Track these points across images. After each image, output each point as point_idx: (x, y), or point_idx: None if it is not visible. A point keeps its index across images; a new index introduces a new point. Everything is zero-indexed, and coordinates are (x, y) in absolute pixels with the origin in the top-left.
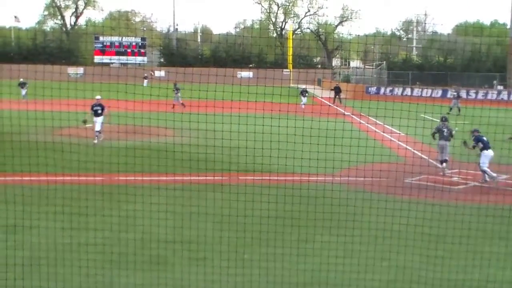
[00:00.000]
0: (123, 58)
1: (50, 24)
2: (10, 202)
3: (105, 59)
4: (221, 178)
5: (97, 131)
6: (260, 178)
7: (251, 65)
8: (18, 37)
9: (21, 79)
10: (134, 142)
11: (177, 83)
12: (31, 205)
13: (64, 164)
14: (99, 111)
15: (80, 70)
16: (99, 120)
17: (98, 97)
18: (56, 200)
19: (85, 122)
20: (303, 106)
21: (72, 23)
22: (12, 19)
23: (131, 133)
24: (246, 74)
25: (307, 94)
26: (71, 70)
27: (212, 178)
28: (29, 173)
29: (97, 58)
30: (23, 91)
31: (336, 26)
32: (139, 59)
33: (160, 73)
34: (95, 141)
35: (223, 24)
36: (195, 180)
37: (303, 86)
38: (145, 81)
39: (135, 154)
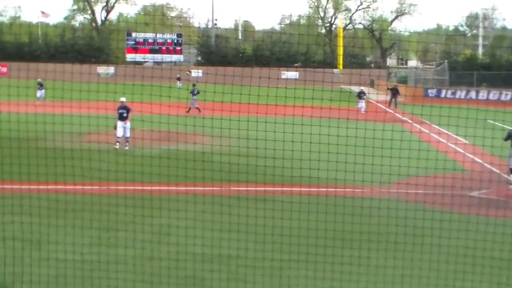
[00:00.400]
0: (158, 57)
1: (79, 19)
2: (34, 215)
3: (138, 57)
4: (263, 189)
5: (118, 137)
6: (307, 190)
7: (296, 64)
8: (45, 34)
9: (39, 80)
10: (168, 149)
11: (196, 84)
12: (57, 218)
13: (92, 173)
14: (124, 114)
15: (111, 69)
16: (126, 125)
17: (123, 99)
18: (83, 212)
19: (115, 127)
20: (362, 111)
21: (103, 18)
22: (39, 14)
23: (161, 139)
24: (292, 74)
25: (364, 97)
26: (101, 69)
27: (254, 189)
28: (55, 183)
29: (129, 57)
30: (39, 93)
31: (392, 21)
32: (174, 57)
33: (197, 73)
34: (116, 146)
35: (266, 19)
36: (235, 191)
37: (359, 88)
38: (179, 82)
39: (169, 162)
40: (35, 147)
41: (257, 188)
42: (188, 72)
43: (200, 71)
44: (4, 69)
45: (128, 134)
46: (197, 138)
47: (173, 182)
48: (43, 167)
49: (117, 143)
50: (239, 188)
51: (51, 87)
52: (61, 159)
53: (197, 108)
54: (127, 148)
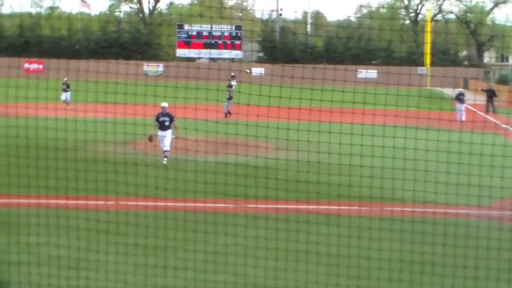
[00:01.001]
0: (214, 52)
1: (124, 9)
2: (72, 237)
3: (191, 53)
4: (337, 207)
5: (166, 151)
6: (389, 209)
7: (375, 61)
8: (85, 26)
9: (65, 79)
10: (225, 158)
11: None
12: (98, 235)
13: (136, 187)
14: (166, 123)
15: (160, 66)
16: (167, 134)
17: (164, 104)
18: (127, 229)
19: (150, 139)
20: (463, 118)
21: (151, 8)
22: (79, 4)
23: (210, 149)
24: (370, 73)
25: (465, 100)
26: (149, 66)
27: (326, 207)
28: (96, 197)
29: (181, 52)
30: (64, 95)
31: (490, 10)
32: (233, 53)
33: (259, 71)
34: (165, 162)
35: (340, 8)
36: (304, 210)
37: (456, 90)
38: (233, 81)
39: (226, 174)
40: (73, 158)
41: (330, 207)
42: (248, 70)
43: (262, 69)
44: (40, 67)
45: (168, 146)
46: (254, 148)
47: (230, 199)
48: (82, 181)
49: (165, 158)
50: (308, 207)
51: (93, 88)
52: (100, 172)
53: (227, 112)
54: (165, 162)
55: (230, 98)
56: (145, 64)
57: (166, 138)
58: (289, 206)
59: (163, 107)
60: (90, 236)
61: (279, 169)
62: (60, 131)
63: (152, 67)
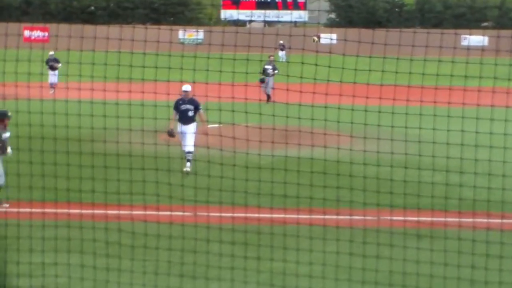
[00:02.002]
0: (270, 14)
1: None
2: (100, 255)
3: (240, 14)
4: (429, 219)
5: (189, 152)
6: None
7: (485, 24)
8: None
9: (51, 53)
10: (285, 154)
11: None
12: (120, 257)
13: (172, 191)
14: (190, 113)
15: (199, 33)
16: (189, 129)
17: (186, 87)
18: (158, 251)
19: (171, 134)
20: None
21: None
22: None
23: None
24: (477, 39)
25: None
26: (185, 33)
27: (415, 220)
28: (117, 206)
29: (227, 14)
30: (52, 76)
31: None
32: (295, 14)
33: (330, 37)
34: (187, 169)
35: None
36: (385, 223)
37: None
38: (282, 52)
39: (285, 175)
40: (89, 152)
41: (421, 219)
42: (315, 37)
43: (334, 35)
44: (44, 35)
45: (192, 146)
46: (329, 138)
47: (291, 207)
48: (100, 181)
49: (188, 162)
50: (393, 218)
51: (114, 61)
52: (117, 170)
53: (268, 94)
54: (187, 169)
55: (262, 81)
56: (181, 29)
57: (188, 134)
58: (366, 218)
59: (185, 92)
60: (110, 251)
61: (368, 165)
62: (71, 117)
63: (190, 34)
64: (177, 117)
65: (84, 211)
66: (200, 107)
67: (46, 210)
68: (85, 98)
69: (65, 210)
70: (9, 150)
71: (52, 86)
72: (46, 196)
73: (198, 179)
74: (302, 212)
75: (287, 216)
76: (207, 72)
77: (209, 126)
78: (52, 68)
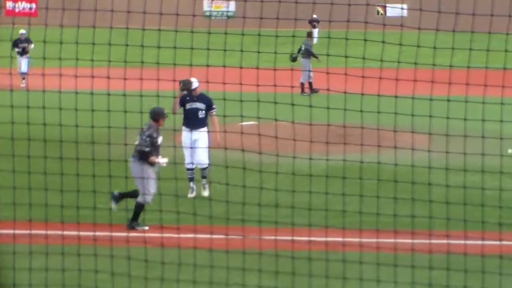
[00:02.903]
0: None
1: None
2: (103, 276)
3: None
4: None
5: (203, 168)
6: None
7: None
8: None
9: (22, 32)
10: (341, 158)
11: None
12: (146, 284)
13: (196, 206)
14: (200, 114)
15: (230, 4)
16: (200, 136)
17: (195, 81)
18: (195, 273)
19: (184, 85)
20: None
21: None
22: None
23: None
24: None
25: None
26: (212, 4)
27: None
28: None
29: None
30: (22, 61)
31: None
32: None
33: (399, 9)
34: (205, 193)
35: None
36: (476, 248)
37: None
38: (315, 30)
39: (344, 186)
40: (89, 157)
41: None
42: (379, 9)
43: (404, 5)
44: (31, 7)
45: (205, 159)
46: (400, 137)
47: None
48: (102, 195)
49: (204, 182)
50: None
51: (120, 40)
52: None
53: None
54: (205, 191)
55: (294, 59)
56: (206, 0)
57: (200, 142)
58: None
59: (184, 86)
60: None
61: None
62: (64, 112)
63: (217, 5)
64: (184, 118)
65: (82, 233)
66: (214, 106)
67: (34, 231)
68: (83, 89)
69: (58, 232)
70: (164, 160)
71: (23, 76)
72: (33, 214)
73: (230, 191)
74: (402, 236)
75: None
76: (240, 54)
77: (244, 123)
78: (23, 52)
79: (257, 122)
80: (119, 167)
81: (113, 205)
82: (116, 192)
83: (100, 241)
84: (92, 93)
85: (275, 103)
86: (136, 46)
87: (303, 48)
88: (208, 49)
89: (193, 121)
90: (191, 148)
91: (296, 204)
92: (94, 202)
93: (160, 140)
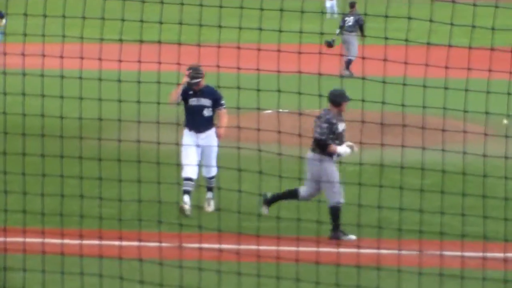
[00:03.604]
0: None
1: None
2: None
3: None
4: None
5: (210, 178)
6: None
7: None
8: None
9: None
10: (379, 157)
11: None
12: None
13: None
14: (206, 112)
15: None
16: (207, 141)
17: (197, 70)
18: None
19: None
20: None
21: None
22: None
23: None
24: None
25: None
26: None
27: None
28: (119, 233)
29: None
30: None
31: None
32: None
33: None
34: (209, 207)
35: None
36: None
37: None
38: (330, 2)
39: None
40: (75, 155)
41: None
42: None
43: None
44: None
45: (213, 169)
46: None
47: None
48: (90, 200)
49: (210, 197)
50: None
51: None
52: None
53: (347, 60)
54: (210, 207)
55: (330, 45)
56: None
57: (206, 149)
58: None
59: (196, 74)
60: None
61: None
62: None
63: None
64: (185, 119)
65: (66, 241)
66: (223, 101)
67: (10, 239)
68: (69, 68)
69: (38, 240)
70: (347, 148)
71: None
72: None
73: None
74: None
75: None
76: (259, 32)
77: (265, 112)
78: None
79: (278, 110)
80: (111, 167)
81: (265, 210)
82: (267, 193)
83: (86, 251)
84: (81, 78)
85: (299, 93)
86: (133, 21)
87: (351, 23)
88: (220, 26)
89: (197, 121)
90: (195, 153)
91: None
92: (81, 208)
93: (341, 127)
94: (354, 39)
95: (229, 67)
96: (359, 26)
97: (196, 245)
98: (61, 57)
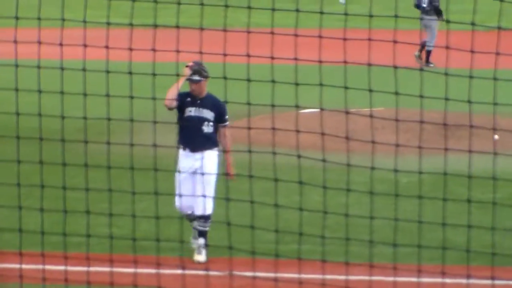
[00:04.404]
0: None
1: None
2: None
3: None
4: None
5: (204, 218)
6: None
7: None
8: None
9: None
10: (442, 165)
11: None
12: None
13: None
14: (206, 129)
15: None
16: (205, 165)
17: (195, 71)
18: None
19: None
20: None
21: None
22: None
23: None
24: None
25: None
26: None
27: None
28: (109, 256)
29: None
30: None
31: None
32: None
33: None
34: (198, 257)
35: None
36: None
37: None
38: None
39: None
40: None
41: None
42: None
43: None
44: None
45: (209, 205)
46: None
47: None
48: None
49: (201, 243)
50: None
51: None
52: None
53: (425, 49)
54: (201, 256)
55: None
56: None
57: (205, 177)
58: None
59: (200, 69)
60: None
61: None
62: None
63: None
64: (178, 135)
65: (70, 268)
66: (227, 116)
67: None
68: (70, 58)
69: (38, 267)
70: None
71: None
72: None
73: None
74: None
75: None
76: (296, 14)
77: (304, 111)
78: None
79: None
80: (121, 176)
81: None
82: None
83: (72, 281)
84: (84, 69)
85: (349, 89)
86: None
87: (425, 4)
88: (249, 7)
89: (193, 138)
90: (191, 180)
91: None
92: (88, 227)
93: None
94: (434, 24)
95: (260, 56)
96: (434, 8)
97: (224, 273)
98: (61, 44)
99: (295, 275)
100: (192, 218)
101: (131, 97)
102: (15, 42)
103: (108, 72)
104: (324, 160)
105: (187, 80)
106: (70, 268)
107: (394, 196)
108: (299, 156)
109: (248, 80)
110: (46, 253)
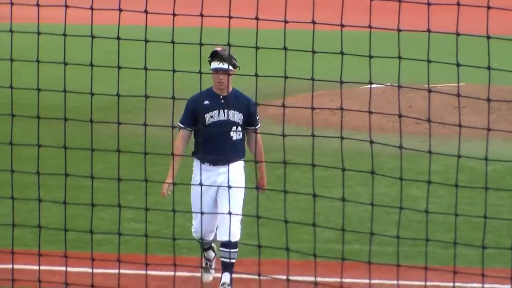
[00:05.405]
0: None
1: None
2: None
3: None
4: None
5: (231, 246)
6: None
7: None
8: None
9: None
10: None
11: None
12: None
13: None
14: (235, 136)
15: None
16: (231, 178)
17: (216, 62)
18: None
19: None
20: None
21: None
22: None
23: None
24: None
25: None
26: None
27: None
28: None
29: None
30: None
31: None
32: None
33: None
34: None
35: None
36: None
37: None
38: None
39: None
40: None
41: None
42: None
43: None
44: None
45: (237, 230)
46: None
47: None
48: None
49: (227, 278)
50: None
51: None
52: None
53: None
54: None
55: None
56: None
57: (232, 190)
58: None
59: (227, 56)
60: None
61: None
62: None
63: None
64: (196, 145)
65: (70, 269)
66: (258, 117)
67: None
68: (75, 23)
69: (34, 267)
70: None
71: None
72: None
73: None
74: None
75: None
76: None
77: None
78: None
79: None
80: (135, 164)
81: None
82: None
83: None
84: (92, 36)
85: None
86: None
87: None
88: None
89: (220, 148)
90: (212, 203)
91: None
92: (91, 223)
93: None
94: None
95: (330, 24)
96: None
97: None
98: (64, 6)
99: (364, 280)
100: (209, 245)
101: (145, 69)
102: (11, 4)
103: (118, 38)
104: (401, 147)
105: (211, 70)
106: (71, 269)
107: (475, 188)
108: (371, 142)
109: (342, 53)
110: (44, 251)
